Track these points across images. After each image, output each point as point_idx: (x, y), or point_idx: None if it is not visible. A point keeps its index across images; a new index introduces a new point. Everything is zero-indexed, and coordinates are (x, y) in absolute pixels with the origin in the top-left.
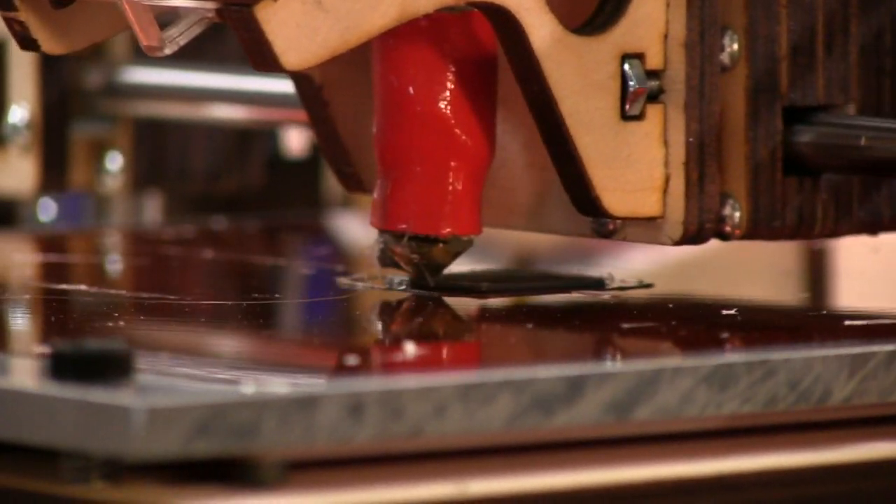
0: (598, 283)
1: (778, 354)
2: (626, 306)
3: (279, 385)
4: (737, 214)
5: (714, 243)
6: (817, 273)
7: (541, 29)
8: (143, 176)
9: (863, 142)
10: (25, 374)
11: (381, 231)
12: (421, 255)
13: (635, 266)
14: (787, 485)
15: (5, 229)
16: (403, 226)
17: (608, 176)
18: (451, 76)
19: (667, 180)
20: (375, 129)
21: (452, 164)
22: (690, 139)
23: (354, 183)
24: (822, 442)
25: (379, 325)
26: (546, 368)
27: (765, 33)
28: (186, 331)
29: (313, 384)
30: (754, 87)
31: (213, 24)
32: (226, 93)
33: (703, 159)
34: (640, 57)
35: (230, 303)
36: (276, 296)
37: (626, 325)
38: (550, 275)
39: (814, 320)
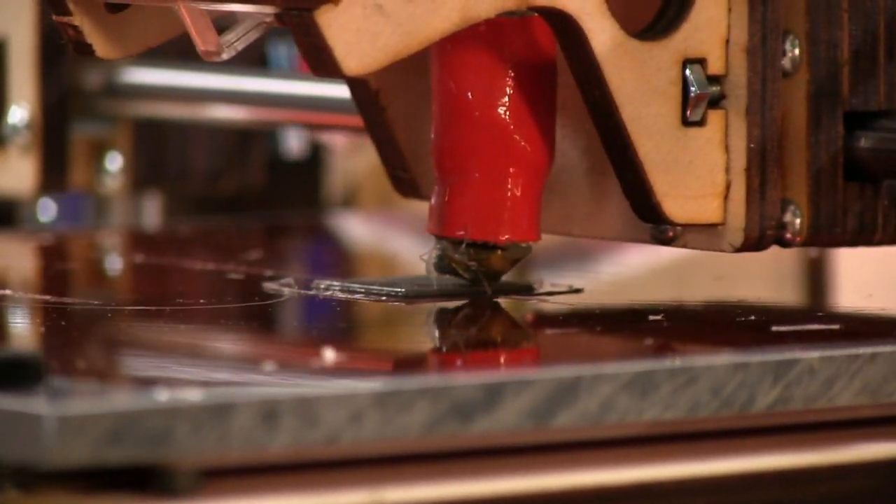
0: (527, 289)
1: (700, 361)
2: (551, 311)
3: (192, 392)
4: (798, 221)
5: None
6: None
7: (602, 34)
8: (142, 176)
9: None
10: None
11: (438, 238)
12: (478, 262)
13: (626, 268)
14: (710, 492)
15: (5, 229)
16: (461, 232)
17: (669, 182)
18: (509, 81)
19: (728, 186)
20: (433, 135)
21: (511, 169)
22: (752, 145)
23: (410, 189)
24: (745, 449)
25: (298, 331)
26: (464, 375)
27: (826, 38)
28: (104, 337)
29: (227, 391)
30: (816, 92)
31: (270, 28)
32: (226, 93)
33: (764, 165)
34: (701, 62)
35: (153, 308)
36: (201, 301)
37: (549, 332)
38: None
39: (741, 326)
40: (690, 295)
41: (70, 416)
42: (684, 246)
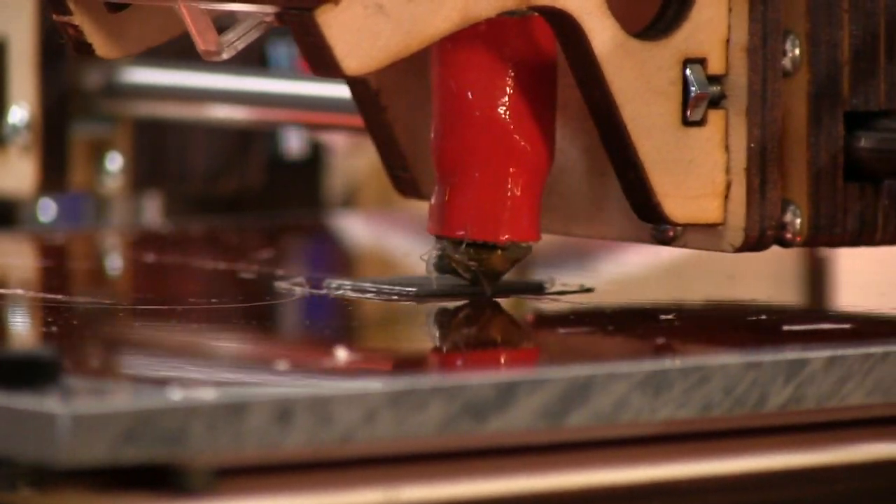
0: (538, 288)
1: (713, 360)
2: (564, 311)
3: (207, 391)
4: (798, 221)
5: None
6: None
7: (602, 33)
8: (142, 176)
9: None
10: None
11: (439, 237)
12: (479, 261)
13: (624, 269)
14: (722, 491)
15: (5, 229)
16: (461, 232)
17: (669, 182)
18: (510, 81)
19: (728, 186)
20: (433, 135)
21: (511, 169)
22: (752, 145)
23: (411, 188)
24: (758, 448)
25: (311, 330)
26: (478, 374)
27: (827, 38)
28: (118, 336)
29: (242, 390)
30: (816, 92)
31: (271, 27)
32: (226, 93)
33: (764, 165)
34: (701, 62)
35: (165, 308)
36: (213, 300)
37: (561, 331)
38: None
39: (752, 325)
40: (701, 295)
41: (84, 415)
42: (685, 246)
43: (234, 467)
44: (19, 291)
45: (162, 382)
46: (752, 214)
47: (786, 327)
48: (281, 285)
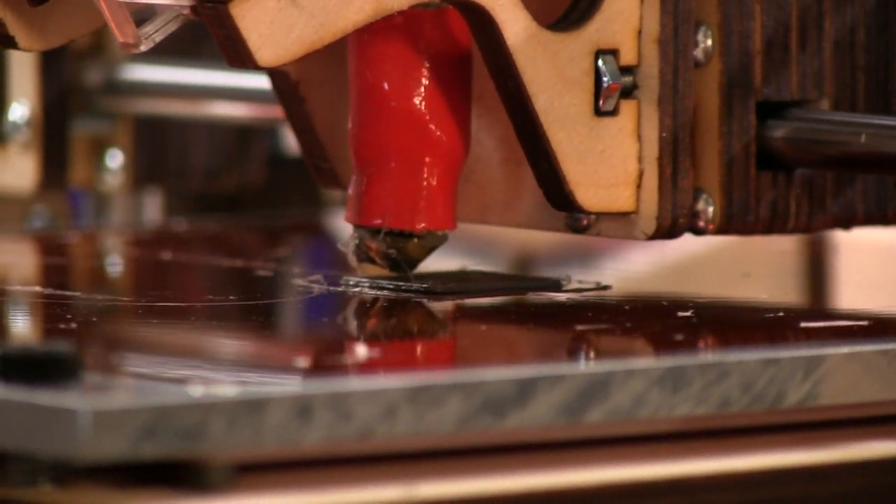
0: (555, 285)
1: (731, 356)
2: (581, 308)
3: (227, 387)
4: (710, 209)
5: (707, 243)
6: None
7: (515, 25)
8: (143, 173)
9: (838, 137)
10: None
11: (357, 226)
12: (396, 249)
13: (633, 267)
14: (741, 488)
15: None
16: (378, 221)
17: (582, 171)
18: (425, 72)
19: (640, 175)
20: (351, 125)
21: (427, 159)
22: (664, 134)
23: (330, 179)
24: (776, 445)
25: (330, 327)
26: (497, 370)
27: (739, 29)
28: (137, 333)
29: (262, 386)
30: (728, 82)
31: (189, 20)
32: (226, 90)
33: (676, 154)
34: (613, 53)
35: (183, 305)
36: (231, 298)
37: (579, 327)
38: (507, 276)
39: (770, 322)
40: (716, 292)
41: (105, 410)
42: (598, 234)
43: (253, 463)
44: (36, 288)
45: (182, 379)
46: (665, 203)
47: (803, 324)
48: (298, 282)
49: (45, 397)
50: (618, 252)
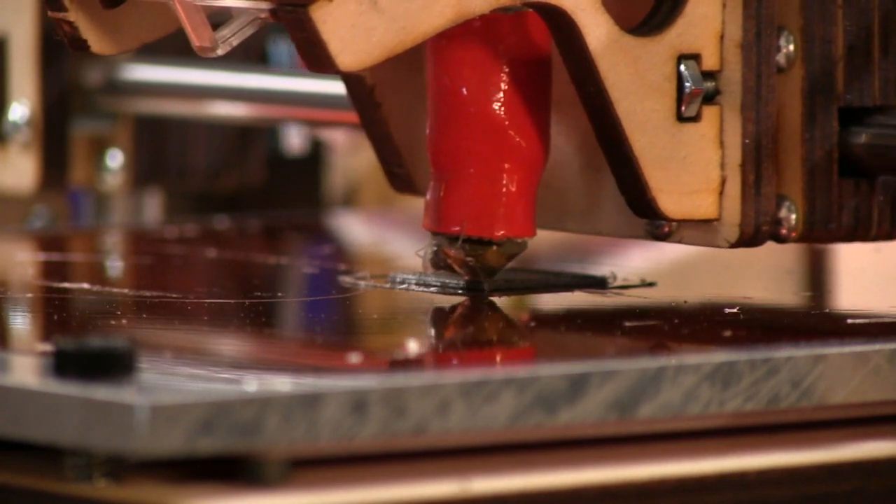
0: (601, 282)
1: (780, 352)
2: (629, 305)
3: (282, 383)
4: (793, 217)
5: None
6: (819, 272)
7: (597, 29)
8: (143, 173)
9: None
10: (28, 371)
11: (434, 233)
12: (474, 257)
13: (635, 265)
14: (790, 483)
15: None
16: (457, 228)
17: (664, 178)
18: (505, 77)
19: (723, 182)
20: (429, 131)
21: (506, 165)
22: (747, 141)
23: (406, 184)
24: (825, 440)
25: (382, 324)
26: (549, 366)
27: (821, 34)
28: (189, 329)
29: (317, 382)
30: (810, 88)
31: (266, 24)
32: (226, 90)
33: (759, 161)
34: (696, 58)
35: (232, 301)
36: (279, 294)
37: (628, 324)
38: (553, 273)
39: (816, 319)
40: (761, 289)
41: (162, 405)
42: (680, 241)
43: (308, 458)
44: (85, 285)
45: (237, 374)
46: (747, 210)
47: (850, 320)
48: (346, 279)
49: (101, 392)
50: (617, 250)
